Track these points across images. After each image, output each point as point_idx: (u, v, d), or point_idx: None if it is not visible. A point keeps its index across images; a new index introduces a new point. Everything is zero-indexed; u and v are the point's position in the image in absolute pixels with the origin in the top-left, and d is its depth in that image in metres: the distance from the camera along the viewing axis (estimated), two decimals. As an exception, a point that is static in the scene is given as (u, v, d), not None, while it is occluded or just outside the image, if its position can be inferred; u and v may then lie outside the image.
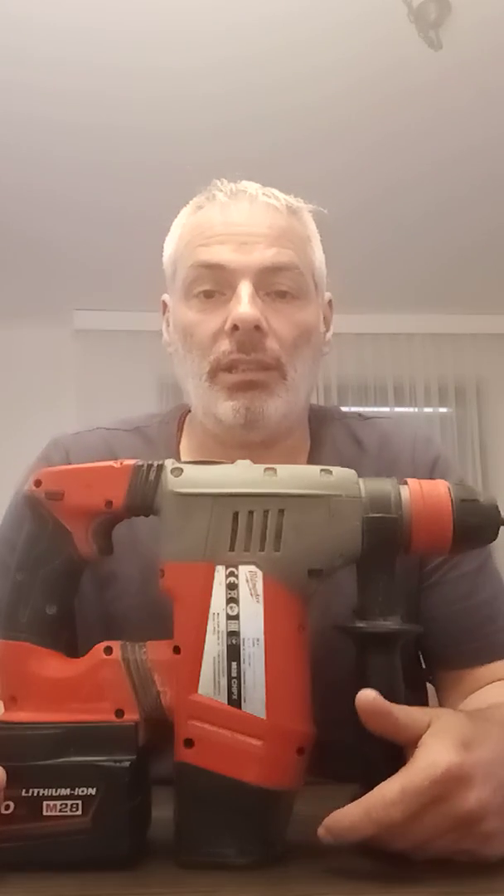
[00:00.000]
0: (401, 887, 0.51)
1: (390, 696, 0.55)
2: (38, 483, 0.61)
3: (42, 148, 2.72)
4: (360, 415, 0.99)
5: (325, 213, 0.92)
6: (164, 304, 0.95)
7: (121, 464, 0.60)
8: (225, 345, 0.83)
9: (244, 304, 0.81)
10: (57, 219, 3.11)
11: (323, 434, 0.94)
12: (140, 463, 0.60)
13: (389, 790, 0.50)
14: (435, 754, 0.51)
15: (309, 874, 0.53)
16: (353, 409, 1.01)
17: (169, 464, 0.59)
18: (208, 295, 0.85)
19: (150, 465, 0.59)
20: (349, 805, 0.52)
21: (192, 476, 0.58)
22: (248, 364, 0.82)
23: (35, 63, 2.34)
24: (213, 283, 0.84)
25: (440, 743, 0.52)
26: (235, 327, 0.81)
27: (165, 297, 0.95)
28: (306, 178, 3.02)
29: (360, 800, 0.51)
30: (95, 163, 2.81)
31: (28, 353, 3.86)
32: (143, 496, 0.59)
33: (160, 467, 0.59)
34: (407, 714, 0.54)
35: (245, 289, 0.82)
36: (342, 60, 2.38)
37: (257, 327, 0.81)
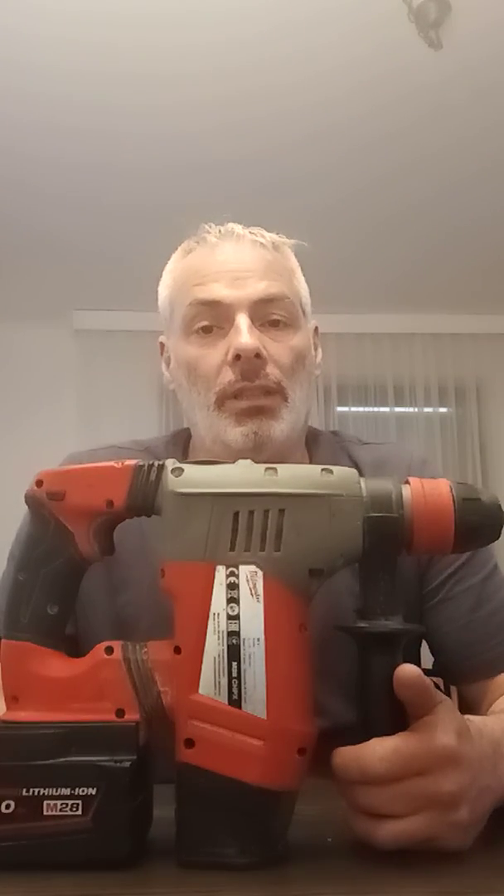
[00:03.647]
0: (400, 887, 0.50)
1: (391, 695, 0.55)
2: (39, 483, 0.61)
3: (44, 149, 2.72)
4: (359, 439, 1.03)
5: (305, 246, 0.97)
6: (162, 346, 1.00)
7: (122, 464, 0.60)
8: (228, 374, 0.87)
9: (244, 334, 0.85)
10: (57, 219, 3.11)
11: (320, 455, 0.98)
12: (141, 463, 0.60)
13: (383, 746, 0.53)
14: (436, 731, 0.54)
15: (309, 874, 0.53)
16: (354, 434, 1.05)
17: (170, 464, 0.59)
18: (207, 330, 0.89)
19: (150, 465, 0.59)
20: (344, 747, 0.54)
21: (193, 476, 0.58)
22: (253, 390, 0.86)
23: (40, 71, 2.35)
24: (211, 319, 0.89)
25: (442, 723, 0.54)
26: (238, 357, 0.85)
27: (162, 338, 1.00)
28: (307, 179, 3.02)
29: (354, 746, 0.54)
30: (96, 164, 2.81)
31: (28, 353, 3.86)
32: (144, 496, 0.59)
33: (161, 467, 0.59)
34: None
35: (243, 320, 0.87)
36: (342, 59, 2.38)
37: (258, 355, 0.85)
